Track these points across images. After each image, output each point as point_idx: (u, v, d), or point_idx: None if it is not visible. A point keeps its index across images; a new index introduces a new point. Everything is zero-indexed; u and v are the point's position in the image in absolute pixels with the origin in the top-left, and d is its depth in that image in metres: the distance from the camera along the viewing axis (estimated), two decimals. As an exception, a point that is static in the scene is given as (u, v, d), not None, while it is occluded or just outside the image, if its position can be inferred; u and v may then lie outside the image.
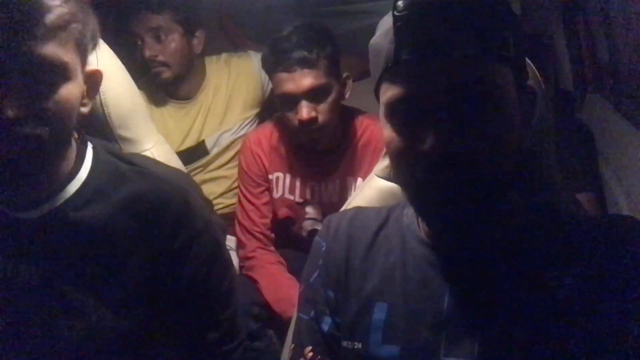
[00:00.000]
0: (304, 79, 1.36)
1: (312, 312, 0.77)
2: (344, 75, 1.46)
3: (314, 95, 1.38)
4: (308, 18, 1.43)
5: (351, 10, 2.12)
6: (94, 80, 0.82)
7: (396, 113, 0.63)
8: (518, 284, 0.63)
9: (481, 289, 0.65)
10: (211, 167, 1.82)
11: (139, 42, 1.62)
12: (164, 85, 1.71)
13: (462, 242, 0.67)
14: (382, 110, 0.66)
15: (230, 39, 2.09)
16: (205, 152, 1.79)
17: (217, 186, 1.82)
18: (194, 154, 1.76)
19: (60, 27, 0.71)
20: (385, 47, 0.62)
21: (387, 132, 0.65)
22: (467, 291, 0.65)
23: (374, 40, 0.67)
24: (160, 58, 1.63)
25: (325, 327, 0.75)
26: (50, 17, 0.70)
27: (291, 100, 1.39)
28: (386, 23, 0.64)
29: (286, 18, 1.77)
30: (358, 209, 0.82)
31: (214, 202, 1.77)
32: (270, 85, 1.84)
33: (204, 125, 1.78)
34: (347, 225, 0.77)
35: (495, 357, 0.62)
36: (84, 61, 0.78)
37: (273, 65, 1.39)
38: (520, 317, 0.62)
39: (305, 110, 1.37)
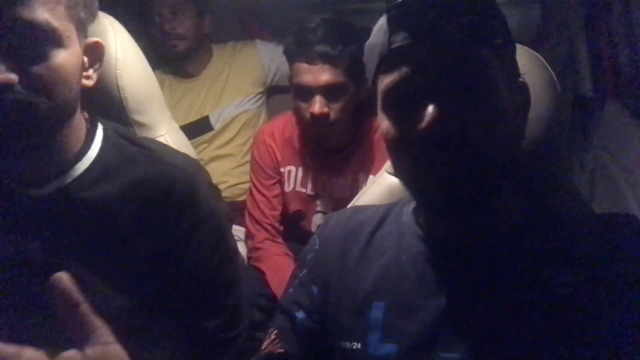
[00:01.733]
0: (323, 74, 1.36)
1: (293, 302, 0.78)
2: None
3: (330, 91, 1.38)
4: (329, 14, 1.43)
5: (371, 7, 2.11)
6: (95, 52, 0.82)
7: (392, 100, 0.64)
8: (516, 280, 0.63)
9: (479, 285, 0.64)
10: (217, 142, 1.89)
11: (157, 18, 1.77)
12: (175, 59, 1.86)
13: (457, 233, 0.67)
14: (379, 103, 0.67)
15: (247, 31, 2.10)
16: (209, 127, 1.88)
17: (223, 164, 1.89)
18: (197, 128, 1.86)
19: None
20: (380, 41, 0.64)
21: (384, 124, 0.66)
22: (465, 288, 0.65)
23: (369, 41, 0.69)
24: (179, 30, 1.79)
25: (299, 316, 0.76)
26: None
27: (306, 92, 1.39)
28: (379, 24, 0.67)
29: (307, 14, 1.78)
30: (356, 208, 0.82)
31: (220, 179, 1.84)
32: (277, 72, 1.91)
33: (206, 101, 1.88)
34: (343, 225, 0.78)
35: (492, 353, 0.62)
36: (80, 30, 0.78)
37: (295, 54, 1.39)
38: (517, 314, 0.61)
39: (318, 105, 1.37)
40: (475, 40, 0.61)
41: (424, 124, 0.59)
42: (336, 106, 1.40)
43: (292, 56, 1.41)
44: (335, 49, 1.35)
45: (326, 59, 1.35)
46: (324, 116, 1.39)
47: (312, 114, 1.39)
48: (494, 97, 0.62)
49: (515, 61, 0.68)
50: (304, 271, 0.79)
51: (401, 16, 0.62)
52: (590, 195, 1.76)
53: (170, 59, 1.87)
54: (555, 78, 0.85)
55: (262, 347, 0.77)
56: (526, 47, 0.87)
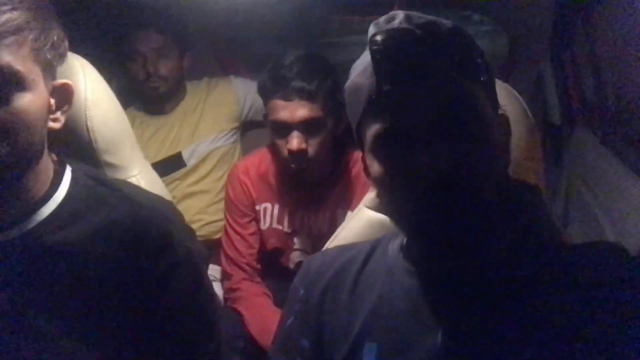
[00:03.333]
0: (300, 110, 1.35)
1: (284, 358, 0.75)
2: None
3: (307, 127, 1.37)
4: (302, 48, 1.45)
5: (345, 42, 2.14)
6: (63, 93, 0.80)
7: (383, 143, 0.63)
8: (511, 310, 0.62)
9: (474, 318, 0.63)
10: (190, 180, 1.86)
11: (138, 59, 1.76)
12: (154, 99, 1.84)
13: (451, 269, 0.66)
14: (367, 146, 0.66)
15: (222, 66, 2.11)
16: (182, 164, 1.86)
17: (198, 201, 1.85)
18: (170, 164, 1.84)
19: (9, 33, 0.69)
20: (366, 84, 0.63)
21: (374, 168, 0.65)
22: (461, 322, 0.63)
23: (350, 82, 0.68)
24: (162, 72, 1.79)
25: None
26: None
27: (283, 129, 1.38)
28: (360, 64, 0.66)
29: (280, 48, 1.80)
30: (339, 248, 0.80)
31: (195, 217, 1.81)
32: (252, 107, 1.92)
33: (179, 137, 1.87)
34: (328, 267, 0.76)
35: None
36: (47, 72, 0.76)
37: (270, 91, 1.38)
38: (516, 349, 0.60)
39: (296, 142, 1.36)
40: (464, 77, 0.61)
41: (421, 169, 0.59)
42: (314, 142, 1.39)
43: (267, 93, 1.40)
44: (311, 85, 1.35)
45: (303, 94, 1.35)
46: (302, 152, 1.37)
47: (289, 150, 1.37)
48: (485, 131, 0.62)
49: (495, 94, 0.69)
50: (290, 319, 0.77)
51: (387, 58, 0.61)
52: (565, 221, 1.79)
53: (149, 98, 1.85)
54: (527, 109, 0.86)
55: None
56: (498, 80, 0.88)
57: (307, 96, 1.35)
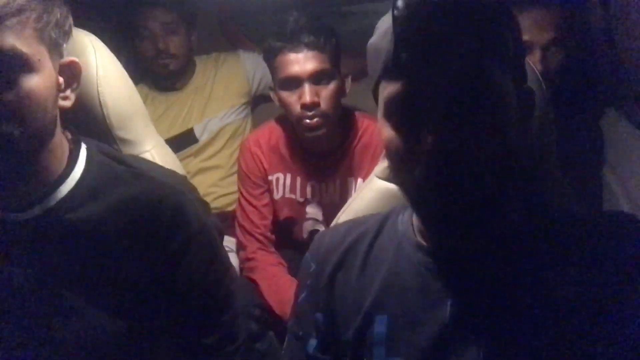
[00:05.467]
0: (310, 61, 1.38)
1: (300, 332, 0.77)
2: (343, 73, 1.46)
3: (318, 79, 1.39)
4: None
5: (350, 11, 2.11)
6: (71, 71, 0.80)
7: (396, 111, 0.62)
8: (519, 287, 0.62)
9: (482, 293, 0.64)
10: (203, 155, 1.88)
11: (147, 36, 1.76)
12: (165, 76, 1.84)
13: (460, 245, 0.66)
14: (380, 109, 0.65)
15: (229, 39, 2.09)
16: (194, 140, 1.87)
17: (211, 175, 1.87)
18: (182, 141, 1.85)
19: (10, 15, 0.69)
20: (385, 48, 0.62)
21: (386, 131, 0.64)
22: (469, 297, 0.64)
23: (373, 40, 0.67)
24: (172, 50, 1.79)
25: (310, 349, 0.75)
26: None
27: (294, 83, 1.40)
28: (385, 23, 0.64)
29: (286, 18, 1.78)
30: (350, 224, 0.80)
31: (208, 190, 1.82)
32: (262, 82, 1.91)
33: (190, 113, 1.87)
34: (338, 244, 0.76)
35: None
36: (53, 51, 0.76)
37: (278, 47, 1.40)
38: (523, 322, 0.61)
39: (308, 94, 1.38)
40: (485, 55, 0.59)
41: (427, 144, 0.58)
42: (325, 94, 1.40)
43: (274, 52, 1.42)
44: (319, 38, 1.38)
45: (312, 46, 1.38)
46: (314, 105, 1.39)
47: (303, 104, 1.39)
48: (503, 114, 0.60)
49: (524, 67, 0.66)
50: (303, 294, 0.78)
51: (408, 27, 0.59)
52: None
53: (159, 75, 1.86)
54: (542, 82, 0.84)
55: None
56: None
57: (316, 48, 1.38)
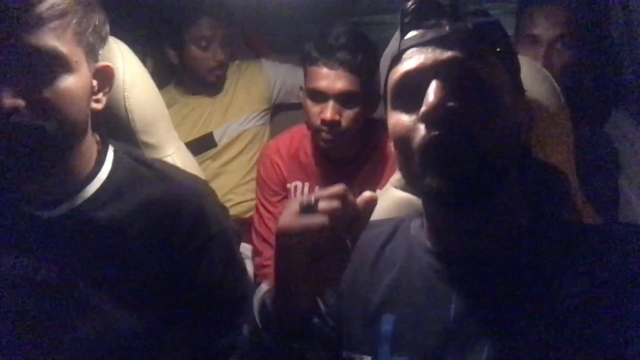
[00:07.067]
0: (340, 81, 1.37)
1: None
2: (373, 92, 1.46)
3: (344, 99, 1.39)
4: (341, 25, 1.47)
5: (376, 21, 2.12)
6: (105, 75, 0.83)
7: (400, 91, 0.66)
8: (524, 289, 0.64)
9: (486, 295, 0.65)
10: (221, 160, 1.90)
11: (207, 46, 1.81)
12: (212, 85, 1.90)
13: (466, 247, 0.68)
14: (389, 103, 0.69)
15: (252, 48, 2.13)
16: (213, 144, 1.90)
17: (229, 180, 1.89)
18: (201, 144, 1.88)
19: (54, 17, 0.73)
20: (392, 47, 0.69)
21: (392, 118, 0.68)
22: (473, 299, 0.65)
23: (384, 54, 0.72)
24: (224, 60, 1.87)
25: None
26: (43, 6, 0.72)
27: (320, 97, 1.40)
28: (395, 36, 0.70)
29: (312, 29, 1.80)
30: (368, 222, 0.82)
31: (225, 197, 1.85)
32: (281, 90, 1.93)
33: (210, 118, 1.91)
34: None
35: None
36: (89, 55, 0.79)
37: (314, 58, 1.40)
38: (527, 323, 0.62)
39: (330, 112, 1.38)
40: (480, 42, 0.65)
41: (424, 106, 0.62)
42: (348, 115, 1.40)
43: (310, 60, 1.42)
44: (356, 58, 1.37)
45: (346, 66, 1.37)
46: (335, 123, 1.39)
47: (323, 120, 1.40)
48: (497, 93, 0.64)
49: (519, 79, 0.70)
50: None
51: (412, 21, 0.66)
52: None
53: (205, 82, 1.89)
54: (557, 89, 0.85)
55: None
56: (529, 59, 0.87)
57: (349, 68, 1.37)
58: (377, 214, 0.93)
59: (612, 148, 1.55)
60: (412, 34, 0.66)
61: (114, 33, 1.00)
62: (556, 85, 0.85)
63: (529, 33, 1.45)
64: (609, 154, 1.55)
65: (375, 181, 1.50)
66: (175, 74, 1.94)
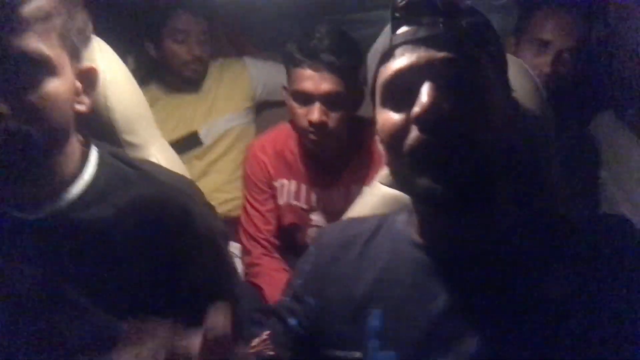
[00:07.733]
0: (325, 83, 1.37)
1: (286, 309, 0.79)
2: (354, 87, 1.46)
3: (330, 100, 1.39)
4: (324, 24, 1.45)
5: (366, 18, 2.12)
6: (89, 77, 0.82)
7: (390, 89, 0.66)
8: (512, 283, 0.64)
9: (474, 289, 0.65)
10: (208, 158, 1.89)
11: (184, 41, 1.79)
12: (189, 81, 1.88)
13: (454, 241, 0.68)
14: (377, 100, 0.69)
15: (235, 46, 2.11)
16: (198, 142, 1.89)
17: (215, 179, 1.88)
18: (186, 143, 1.87)
19: (38, 19, 0.71)
20: (382, 42, 0.68)
21: (381, 116, 0.67)
22: (461, 292, 0.66)
23: (371, 49, 0.71)
24: (204, 55, 1.85)
25: (292, 322, 0.77)
26: (27, 8, 0.70)
27: (306, 99, 1.40)
28: (383, 31, 0.69)
29: (294, 26, 1.79)
30: (351, 219, 0.84)
31: (212, 195, 1.82)
32: (265, 88, 1.93)
33: (195, 116, 1.90)
34: (339, 235, 0.79)
35: (491, 358, 0.62)
36: (73, 57, 0.78)
37: (297, 60, 1.39)
38: (515, 317, 0.62)
39: (317, 113, 1.38)
40: (474, 42, 0.64)
41: (416, 107, 0.61)
42: (334, 116, 1.40)
43: (293, 62, 1.41)
44: (340, 59, 1.37)
45: (331, 67, 1.36)
46: (322, 125, 1.39)
47: (310, 122, 1.39)
48: (489, 94, 0.64)
49: (507, 79, 0.70)
50: (299, 281, 0.80)
51: (404, 17, 0.65)
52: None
53: (182, 79, 1.88)
54: (539, 86, 0.85)
55: (252, 345, 0.77)
56: (511, 56, 0.88)
57: (334, 70, 1.36)
58: (364, 210, 0.93)
59: (596, 147, 1.57)
60: (403, 29, 0.65)
61: (94, 30, 0.98)
62: (538, 82, 0.86)
63: (538, 37, 1.45)
64: (593, 153, 1.57)
65: (362, 178, 1.50)
66: (157, 71, 1.92)
